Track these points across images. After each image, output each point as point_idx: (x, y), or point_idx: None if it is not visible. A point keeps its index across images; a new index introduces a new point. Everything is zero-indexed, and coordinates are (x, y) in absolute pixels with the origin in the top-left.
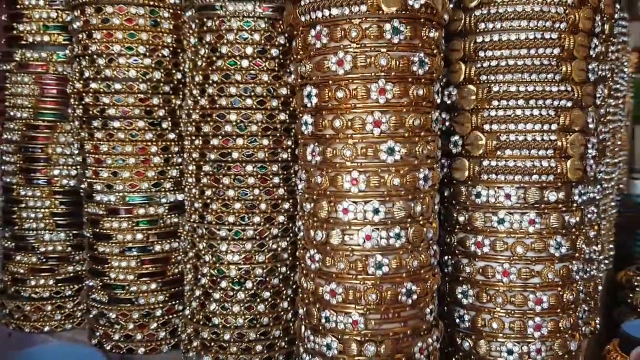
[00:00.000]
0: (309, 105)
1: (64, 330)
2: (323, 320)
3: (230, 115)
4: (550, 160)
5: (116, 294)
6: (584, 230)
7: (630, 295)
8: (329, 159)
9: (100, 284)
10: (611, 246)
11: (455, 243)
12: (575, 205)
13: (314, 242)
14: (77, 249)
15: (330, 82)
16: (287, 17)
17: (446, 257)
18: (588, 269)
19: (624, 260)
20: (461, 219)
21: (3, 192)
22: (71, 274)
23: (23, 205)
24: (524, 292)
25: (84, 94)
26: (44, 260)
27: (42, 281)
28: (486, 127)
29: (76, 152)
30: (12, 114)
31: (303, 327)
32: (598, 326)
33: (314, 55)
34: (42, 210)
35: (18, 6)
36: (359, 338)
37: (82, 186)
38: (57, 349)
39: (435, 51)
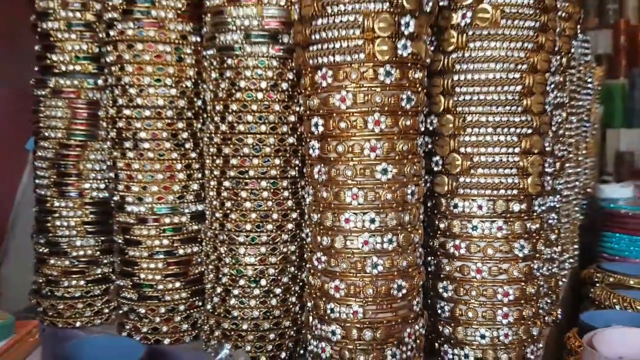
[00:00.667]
0: (315, 132)
1: (93, 326)
2: (328, 311)
3: (247, 139)
4: (514, 178)
5: (145, 292)
6: (543, 235)
7: (591, 290)
8: (333, 177)
9: (131, 283)
10: (576, 247)
11: (437, 246)
12: (535, 214)
13: (321, 246)
14: (105, 253)
15: (334, 114)
16: (297, 59)
17: (429, 258)
18: (550, 267)
19: (590, 260)
20: (442, 225)
21: (37, 204)
22: (99, 275)
23: (57, 215)
24: (493, 286)
25: (117, 119)
26: (75, 263)
27: (74, 282)
28: (462, 149)
29: (105, 168)
30: (46, 134)
31: (311, 318)
32: (560, 316)
33: (321, 92)
34: (74, 219)
35: (51, 39)
36: (358, 325)
37: (115, 199)
38: (102, 339)
39: (419, 88)
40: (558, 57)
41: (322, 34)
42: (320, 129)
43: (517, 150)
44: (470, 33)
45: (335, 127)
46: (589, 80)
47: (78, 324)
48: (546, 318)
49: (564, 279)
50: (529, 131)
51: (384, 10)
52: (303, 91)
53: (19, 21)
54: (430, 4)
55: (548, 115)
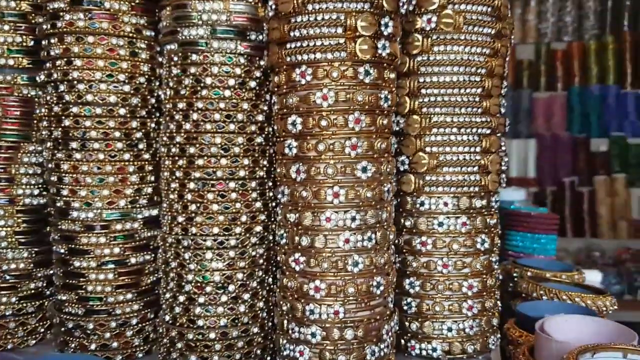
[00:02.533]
0: (293, 131)
1: (27, 347)
2: (307, 313)
3: (215, 138)
4: (476, 175)
5: (92, 306)
6: (498, 230)
7: (516, 283)
8: (312, 176)
9: (76, 297)
10: None
11: (402, 244)
12: (493, 209)
13: (299, 247)
14: (39, 266)
15: (314, 112)
16: (271, 56)
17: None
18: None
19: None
20: (407, 223)
21: None
22: (33, 291)
23: None
24: (458, 280)
25: (63, 117)
26: (6, 278)
27: (4, 299)
28: (427, 149)
29: (41, 172)
30: None
31: (286, 321)
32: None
33: (300, 90)
34: (5, 229)
35: None
36: (339, 325)
37: (57, 204)
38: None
39: (393, 88)
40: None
41: (302, 30)
42: (299, 127)
43: (478, 149)
44: (434, 37)
45: (315, 125)
46: None
47: (10, 345)
48: None
49: None
50: (488, 131)
51: (365, 10)
52: (276, 89)
53: None
54: (405, 6)
55: (503, 117)
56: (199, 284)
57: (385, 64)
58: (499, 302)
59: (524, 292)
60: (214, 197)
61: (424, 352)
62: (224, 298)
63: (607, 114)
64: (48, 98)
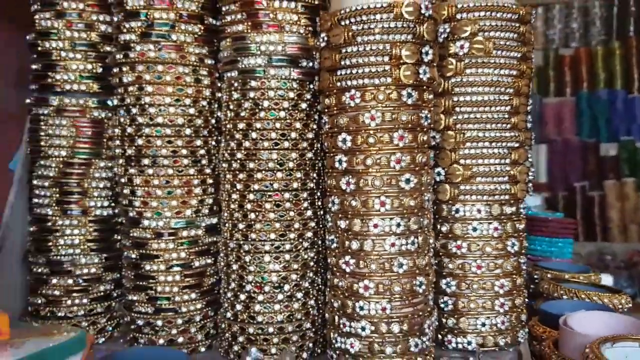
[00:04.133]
0: (343, 147)
1: (97, 344)
2: (357, 309)
3: (272, 154)
4: (506, 185)
5: (161, 305)
6: (525, 234)
7: (532, 286)
8: (361, 187)
9: (146, 297)
10: None
11: (439, 247)
12: (522, 215)
13: (349, 250)
14: (108, 270)
15: (363, 131)
16: (322, 81)
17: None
18: None
19: None
20: (443, 229)
21: (34, 223)
22: (102, 293)
23: (59, 233)
24: (491, 279)
25: (136, 137)
26: (79, 281)
27: (77, 300)
28: (462, 161)
29: (111, 185)
30: (48, 152)
31: (337, 317)
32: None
33: (350, 111)
34: (78, 237)
35: (53, 57)
36: (386, 320)
37: (130, 215)
38: (145, 351)
39: (432, 108)
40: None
41: (352, 60)
42: (348, 144)
43: (507, 161)
44: (466, 61)
45: (363, 142)
46: None
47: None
48: None
49: None
50: (517, 145)
51: (409, 41)
52: (327, 110)
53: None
54: (442, 35)
55: (529, 132)
56: (258, 284)
57: (424, 87)
58: (526, 299)
59: (545, 292)
60: (271, 207)
61: (459, 345)
62: (280, 296)
63: (615, 119)
64: (121, 120)
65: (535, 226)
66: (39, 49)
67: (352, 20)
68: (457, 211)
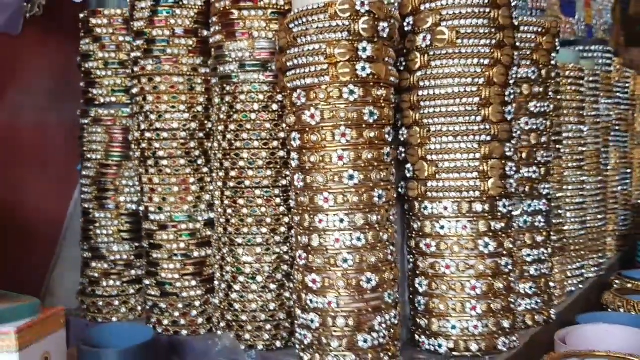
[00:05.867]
0: (295, 145)
1: (127, 320)
2: (308, 302)
3: (243, 153)
4: (475, 181)
5: (166, 289)
6: (512, 234)
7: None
8: (309, 184)
9: (155, 282)
10: (602, 255)
11: (413, 245)
12: (500, 214)
13: (301, 244)
14: (138, 257)
15: (307, 129)
16: (279, 83)
17: (409, 257)
18: (539, 268)
19: (630, 269)
20: (415, 226)
21: (82, 215)
22: (133, 277)
23: (97, 224)
24: (461, 281)
25: (141, 141)
26: (113, 266)
27: (111, 282)
28: (428, 157)
29: (137, 183)
30: (89, 156)
31: (297, 309)
32: (553, 317)
33: (297, 111)
34: (112, 227)
35: (92, 76)
36: (333, 314)
37: (141, 209)
38: (117, 326)
39: (383, 104)
40: (535, 70)
41: (295, 61)
42: (298, 142)
43: (477, 155)
44: (431, 53)
45: (309, 140)
46: (619, 90)
47: (114, 319)
48: (537, 317)
49: (580, 285)
50: (488, 138)
51: (343, 39)
52: (285, 111)
53: (71, 63)
54: (388, 30)
55: (508, 124)
56: (234, 274)
57: (372, 83)
58: (513, 305)
59: (604, 303)
60: (244, 203)
61: (431, 348)
62: (253, 287)
63: None
64: (135, 127)
65: None
66: (82, 69)
67: (295, 23)
68: (425, 208)
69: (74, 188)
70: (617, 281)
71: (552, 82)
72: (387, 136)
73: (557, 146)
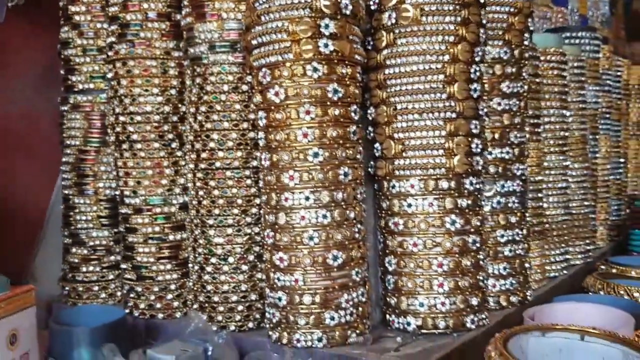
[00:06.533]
0: (261, 124)
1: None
2: (276, 280)
3: (213, 135)
4: (441, 158)
5: (142, 272)
6: (480, 212)
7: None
8: (275, 162)
9: (131, 266)
10: (589, 242)
11: (383, 225)
12: (467, 191)
13: (269, 223)
14: (117, 243)
15: (273, 107)
16: (247, 63)
17: (380, 237)
18: (513, 249)
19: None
20: (384, 205)
21: (63, 201)
22: (112, 262)
23: (77, 210)
24: (429, 258)
25: (115, 125)
26: (92, 252)
27: (91, 268)
28: (395, 135)
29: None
30: (68, 142)
31: (266, 288)
32: (529, 298)
33: (262, 89)
34: (91, 213)
35: (71, 63)
36: (299, 292)
37: (116, 193)
38: (90, 307)
39: (349, 82)
40: (508, 50)
41: (259, 39)
42: (264, 121)
43: (443, 133)
44: (396, 31)
45: (274, 118)
46: (610, 78)
47: (94, 304)
48: (512, 297)
49: (564, 270)
50: (454, 115)
51: (305, 16)
52: (253, 90)
53: (55, 52)
54: (350, 7)
55: (474, 101)
56: (206, 256)
57: (336, 60)
58: (482, 282)
59: (585, 286)
60: (215, 184)
61: (400, 326)
62: (225, 268)
63: None
64: (110, 111)
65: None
66: (62, 56)
67: (259, 1)
68: (393, 187)
69: (58, 175)
70: (602, 266)
71: (526, 62)
72: (353, 114)
73: (536, 129)
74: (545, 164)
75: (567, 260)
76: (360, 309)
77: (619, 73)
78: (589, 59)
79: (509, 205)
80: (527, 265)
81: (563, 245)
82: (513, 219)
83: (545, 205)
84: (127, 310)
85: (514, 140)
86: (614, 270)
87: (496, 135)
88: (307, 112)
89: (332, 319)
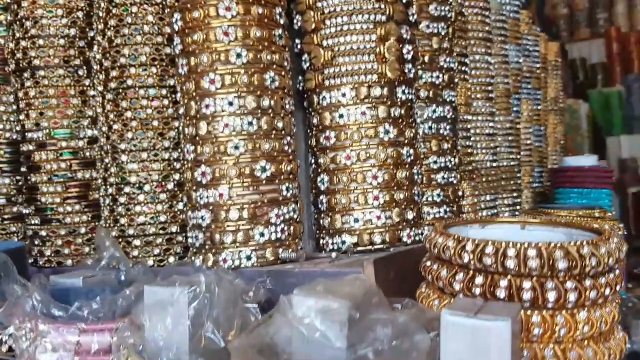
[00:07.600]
0: (176, 27)
1: None
2: (199, 199)
3: (124, 49)
4: (373, 64)
5: (46, 215)
6: (414, 125)
7: None
8: (193, 67)
9: (34, 208)
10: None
11: (314, 143)
12: (400, 101)
13: (188, 136)
14: (20, 192)
15: (190, 5)
16: None
17: (310, 158)
18: (446, 176)
19: None
20: (315, 121)
21: None
22: (15, 214)
23: None
24: (363, 171)
25: (15, 51)
26: None
27: None
28: (324, 42)
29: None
30: None
31: (188, 211)
32: None
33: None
34: None
35: None
36: (225, 207)
37: (17, 128)
38: None
39: None
40: None
41: None
42: (180, 23)
43: (373, 37)
44: None
45: (191, 18)
46: (529, 44)
47: None
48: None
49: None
50: (384, 18)
51: None
52: None
53: None
54: None
55: (402, 5)
56: (119, 185)
57: None
58: (417, 197)
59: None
60: (127, 105)
61: (335, 247)
62: (141, 197)
63: None
64: (10, 37)
65: (565, 177)
66: None
67: None
68: (324, 99)
69: None
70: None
71: None
72: (278, 17)
73: (463, 68)
74: (473, 109)
75: (495, 207)
76: (292, 227)
77: (537, 41)
78: (509, 18)
79: (441, 131)
80: (459, 194)
81: (492, 191)
82: (445, 146)
83: (474, 151)
84: (30, 260)
85: (444, 65)
86: (544, 216)
87: (426, 59)
88: (228, 9)
89: (262, 234)
